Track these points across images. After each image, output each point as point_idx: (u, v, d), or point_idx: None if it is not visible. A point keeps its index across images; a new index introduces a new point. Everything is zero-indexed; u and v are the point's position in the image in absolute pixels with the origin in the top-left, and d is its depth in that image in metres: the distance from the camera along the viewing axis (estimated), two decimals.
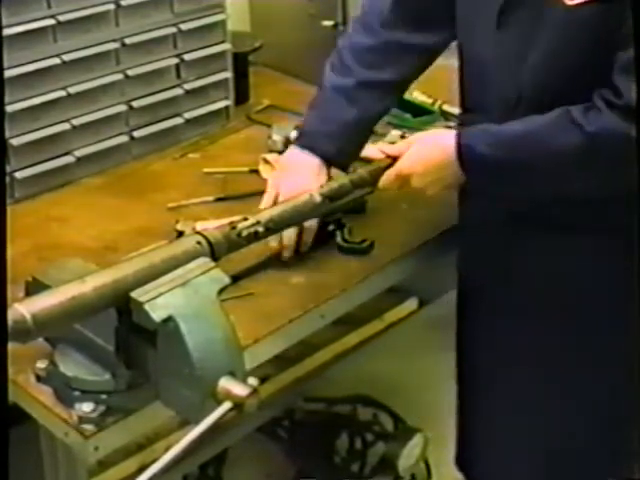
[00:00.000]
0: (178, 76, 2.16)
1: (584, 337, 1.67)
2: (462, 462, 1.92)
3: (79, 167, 2.04)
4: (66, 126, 1.99)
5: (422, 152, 1.61)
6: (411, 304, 2.07)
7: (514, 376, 1.76)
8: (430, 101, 2.30)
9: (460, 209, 1.79)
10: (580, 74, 1.48)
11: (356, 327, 1.97)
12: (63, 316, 1.26)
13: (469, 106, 1.70)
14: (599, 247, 1.61)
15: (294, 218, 1.62)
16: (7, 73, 1.82)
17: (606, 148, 1.43)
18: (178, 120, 2.18)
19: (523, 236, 1.66)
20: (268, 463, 2.39)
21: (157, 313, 1.27)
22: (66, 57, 1.95)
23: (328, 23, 2.35)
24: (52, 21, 1.91)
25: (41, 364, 1.42)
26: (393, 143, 1.83)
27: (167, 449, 1.18)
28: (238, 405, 1.26)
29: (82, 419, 1.38)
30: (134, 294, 1.29)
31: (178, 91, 2.16)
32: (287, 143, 1.98)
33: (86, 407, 1.38)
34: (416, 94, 2.33)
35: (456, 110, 1.89)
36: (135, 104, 2.09)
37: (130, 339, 1.34)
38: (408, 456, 2.22)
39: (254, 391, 1.27)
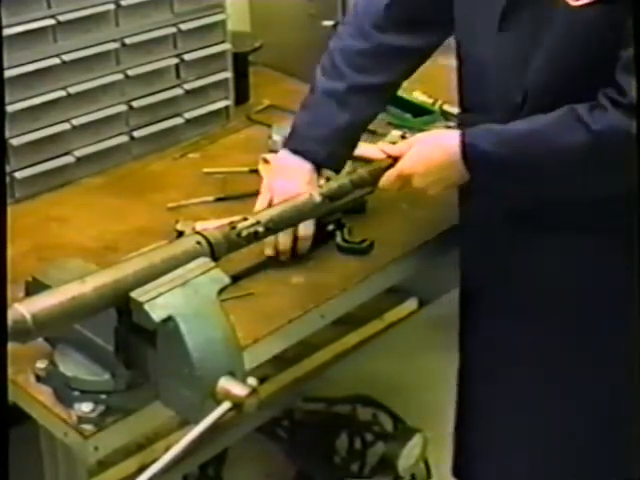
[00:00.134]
0: (178, 76, 2.16)
1: (584, 337, 1.67)
2: (459, 467, 1.92)
3: (79, 167, 2.04)
4: (66, 126, 1.99)
5: (423, 152, 1.61)
6: (411, 304, 2.06)
7: (514, 376, 1.76)
8: (430, 101, 2.30)
9: (461, 209, 1.79)
10: (585, 74, 1.48)
11: (356, 327, 1.97)
12: (63, 316, 1.26)
13: (468, 106, 1.70)
14: (599, 247, 1.61)
15: (294, 218, 1.62)
16: (7, 73, 1.82)
17: (611, 146, 1.43)
18: (178, 120, 2.18)
19: (523, 236, 1.66)
20: (268, 463, 2.39)
21: (157, 313, 1.27)
22: (66, 57, 1.95)
23: (328, 23, 2.35)
24: (52, 21, 1.91)
25: (41, 364, 1.42)
26: (394, 143, 1.83)
27: (167, 449, 1.18)
28: (238, 405, 1.26)
29: (82, 419, 1.38)
30: (134, 294, 1.29)
31: (178, 91, 2.16)
32: None
33: (85, 407, 1.38)
34: (416, 94, 2.33)
35: (456, 110, 1.89)
36: (135, 104, 2.09)
37: (130, 339, 1.34)
38: (408, 456, 2.22)
39: (254, 391, 1.27)
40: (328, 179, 1.77)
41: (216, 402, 1.26)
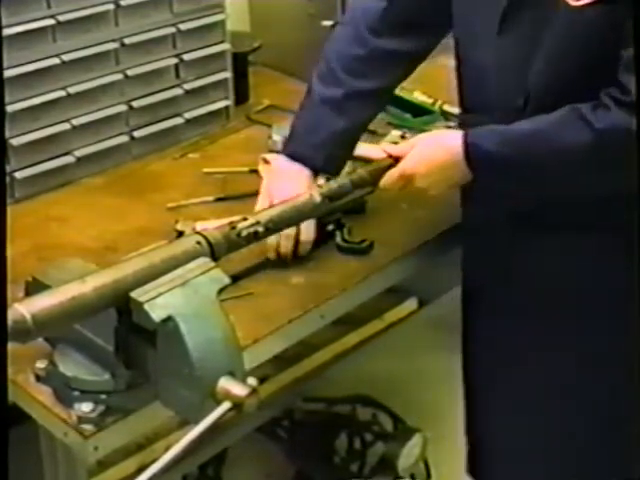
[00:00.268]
0: (178, 76, 2.16)
1: (584, 337, 1.67)
2: (472, 467, 1.91)
3: (79, 167, 2.04)
4: (66, 126, 1.99)
5: (425, 152, 1.61)
6: (411, 304, 2.06)
7: (514, 376, 1.76)
8: (430, 101, 2.29)
9: (463, 209, 1.78)
10: (586, 74, 1.48)
11: (356, 327, 1.97)
12: (63, 316, 1.26)
13: (469, 107, 1.70)
14: (599, 247, 1.62)
15: (294, 218, 1.62)
16: (7, 73, 1.82)
17: (614, 145, 1.43)
18: (178, 120, 2.18)
19: (523, 236, 1.66)
20: (268, 463, 2.39)
21: (157, 313, 1.27)
22: (66, 57, 1.95)
23: (328, 23, 2.35)
24: (52, 21, 1.91)
25: (41, 364, 1.42)
26: (395, 143, 1.83)
27: (167, 449, 1.18)
28: (237, 405, 1.26)
29: (81, 419, 1.38)
30: (134, 294, 1.29)
31: (178, 91, 2.16)
32: None
33: (85, 407, 1.38)
34: (416, 94, 2.33)
35: (456, 110, 1.89)
36: (135, 104, 2.09)
37: (130, 339, 1.34)
38: (407, 456, 2.22)
39: (253, 391, 1.27)
40: (328, 179, 1.77)
41: (216, 402, 1.26)
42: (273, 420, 2.21)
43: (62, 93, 1.97)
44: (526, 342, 1.72)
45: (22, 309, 1.21)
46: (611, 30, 1.43)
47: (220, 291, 1.35)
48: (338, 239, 1.79)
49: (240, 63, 2.32)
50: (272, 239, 1.71)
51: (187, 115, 2.19)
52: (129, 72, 2.06)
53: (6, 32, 1.81)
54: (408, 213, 1.88)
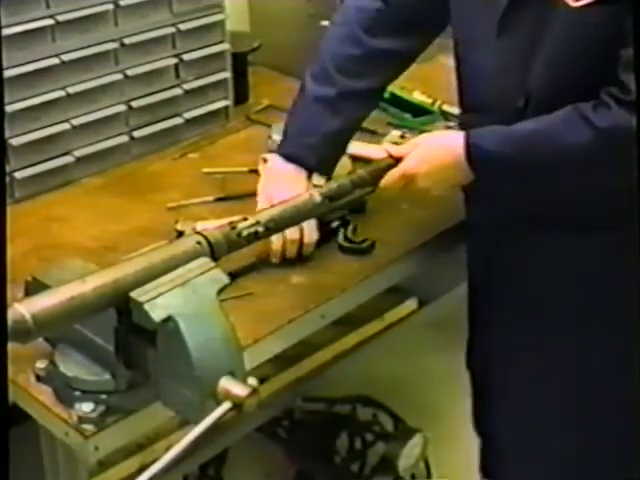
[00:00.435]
0: (177, 76, 2.16)
1: (584, 337, 1.68)
2: (484, 467, 1.92)
3: (79, 167, 2.04)
4: (66, 126, 1.99)
5: (427, 152, 1.61)
6: (411, 304, 2.06)
7: (514, 376, 1.76)
8: (430, 101, 2.29)
9: (466, 207, 1.78)
10: (586, 74, 1.48)
11: (356, 327, 1.96)
12: (63, 316, 1.26)
13: (469, 107, 1.70)
14: (600, 246, 1.61)
15: (294, 218, 1.62)
16: (7, 73, 1.82)
17: (616, 144, 1.43)
18: (178, 120, 2.18)
19: (523, 236, 1.66)
20: (268, 463, 2.39)
21: (157, 313, 1.27)
22: (65, 57, 1.95)
23: (327, 23, 2.35)
24: (51, 21, 1.91)
25: (41, 364, 1.42)
26: (395, 143, 1.83)
27: (167, 449, 1.18)
28: (238, 405, 1.25)
29: (82, 419, 1.38)
30: (134, 294, 1.29)
31: (177, 91, 2.16)
32: None
33: (86, 407, 1.38)
34: (416, 94, 2.33)
35: (456, 110, 1.89)
36: (135, 104, 2.09)
37: (130, 339, 1.34)
38: (408, 456, 2.22)
39: (254, 391, 1.27)
40: (328, 179, 1.77)
41: (216, 402, 1.26)
42: (273, 420, 2.21)
43: (62, 93, 1.97)
44: (526, 342, 1.72)
45: (22, 309, 1.21)
46: (611, 30, 1.43)
47: (220, 291, 1.35)
48: (340, 238, 1.79)
49: (240, 63, 2.32)
50: (277, 245, 1.71)
51: (187, 115, 2.19)
52: (129, 72, 2.06)
53: (6, 32, 1.81)
54: (408, 213, 1.88)
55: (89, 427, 1.38)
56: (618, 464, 1.77)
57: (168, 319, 1.27)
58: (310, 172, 1.76)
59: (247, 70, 2.38)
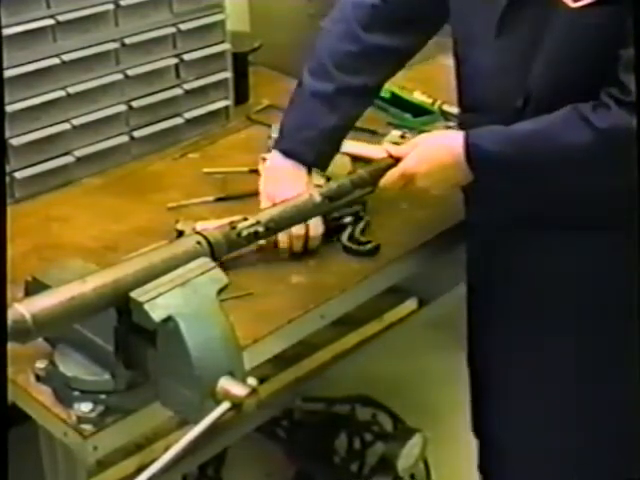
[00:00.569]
0: (178, 76, 2.16)
1: (584, 337, 1.68)
2: (482, 466, 1.92)
3: (79, 167, 2.04)
4: (66, 126, 1.99)
5: (426, 152, 1.61)
6: (411, 304, 2.06)
7: (514, 376, 1.76)
8: (430, 101, 2.30)
9: (465, 207, 1.78)
10: (586, 75, 1.48)
11: (356, 327, 1.97)
12: (63, 316, 1.26)
13: (468, 107, 1.70)
14: (600, 246, 1.61)
15: (294, 218, 1.62)
16: (7, 73, 1.82)
17: (616, 144, 1.43)
18: (178, 120, 2.18)
19: (523, 236, 1.66)
20: (267, 463, 2.39)
21: (157, 313, 1.27)
22: (66, 57, 1.95)
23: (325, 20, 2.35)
24: (51, 21, 1.91)
25: (40, 364, 1.42)
26: (396, 143, 1.83)
27: (166, 449, 1.18)
28: (237, 405, 1.26)
29: (81, 419, 1.38)
30: (134, 294, 1.29)
31: (178, 91, 2.16)
32: None
33: (85, 407, 1.38)
34: (416, 94, 2.33)
35: (456, 110, 1.89)
36: (135, 104, 2.09)
37: (129, 339, 1.34)
38: (407, 456, 2.22)
39: (253, 391, 1.27)
40: (329, 179, 1.77)
41: (216, 402, 1.26)
42: (273, 420, 2.21)
43: (62, 93, 1.97)
44: (526, 342, 1.72)
45: (22, 309, 1.21)
46: (610, 30, 1.43)
47: (220, 291, 1.35)
48: (344, 238, 1.78)
49: (240, 63, 2.32)
50: (284, 242, 1.71)
51: (187, 115, 2.19)
52: (129, 72, 2.06)
53: (6, 32, 1.81)
54: (408, 213, 1.88)
55: (88, 427, 1.38)
56: (618, 464, 1.77)
57: (168, 319, 1.27)
58: (309, 168, 1.76)
59: (247, 70, 2.38)
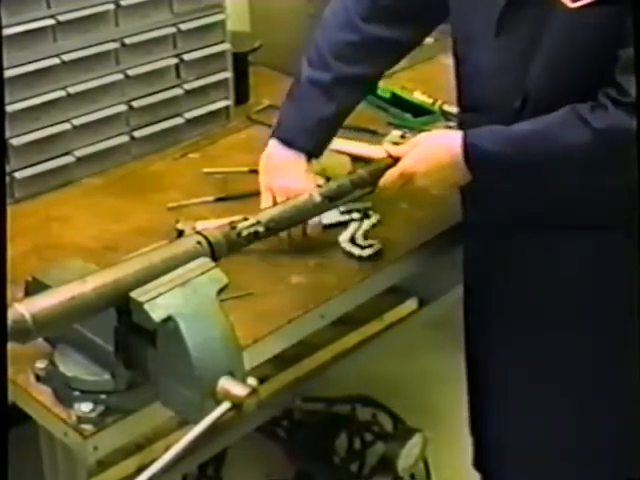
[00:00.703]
0: (178, 76, 2.16)
1: (584, 337, 1.68)
2: (479, 465, 1.92)
3: (79, 167, 2.04)
4: (66, 126, 1.99)
5: (426, 151, 1.61)
6: (411, 304, 2.06)
7: (513, 376, 1.76)
8: (430, 101, 2.30)
9: (463, 208, 1.78)
10: (584, 75, 1.48)
11: (356, 327, 1.96)
12: (63, 316, 1.26)
13: (467, 106, 1.70)
14: (599, 247, 1.61)
15: (294, 218, 1.62)
16: (7, 73, 1.82)
17: (613, 145, 1.43)
18: (178, 120, 2.18)
19: (523, 236, 1.66)
20: (267, 463, 2.39)
21: (157, 313, 1.27)
22: (66, 57, 1.95)
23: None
24: (52, 21, 1.91)
25: (40, 364, 1.42)
26: (396, 143, 1.83)
27: (166, 449, 1.18)
28: (237, 405, 1.26)
29: (81, 419, 1.38)
30: (134, 294, 1.29)
31: (178, 91, 2.16)
32: None
33: (85, 407, 1.38)
34: (416, 94, 2.33)
35: (456, 110, 1.89)
36: (135, 104, 2.09)
37: (130, 339, 1.34)
38: (407, 456, 2.22)
39: (253, 391, 1.27)
40: (328, 179, 1.77)
41: (216, 402, 1.26)
42: (273, 420, 2.21)
43: (62, 93, 1.97)
44: (525, 342, 1.72)
45: (22, 309, 1.21)
46: (609, 30, 1.43)
47: (220, 291, 1.35)
48: (343, 238, 1.78)
49: (240, 63, 2.32)
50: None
51: (187, 115, 2.19)
52: (129, 72, 2.06)
53: (6, 32, 1.81)
54: (408, 213, 1.88)
55: (88, 427, 1.38)
56: (618, 464, 1.77)
57: (168, 319, 1.27)
58: (308, 156, 1.76)
59: (248, 70, 2.38)
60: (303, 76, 1.77)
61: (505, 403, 1.80)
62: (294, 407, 2.28)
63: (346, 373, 1.98)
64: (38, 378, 1.44)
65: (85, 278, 1.29)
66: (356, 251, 1.76)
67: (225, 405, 1.25)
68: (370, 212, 1.84)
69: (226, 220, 1.55)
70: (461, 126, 1.71)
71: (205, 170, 2.05)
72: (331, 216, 1.80)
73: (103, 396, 1.39)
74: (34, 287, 1.35)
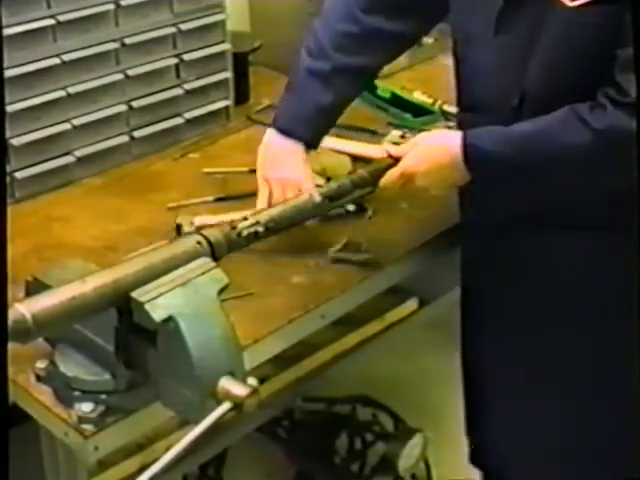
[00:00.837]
0: (178, 76, 2.16)
1: (584, 337, 1.68)
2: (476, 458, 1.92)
3: (79, 167, 2.04)
4: (66, 126, 1.99)
5: (426, 151, 1.61)
6: (411, 304, 2.06)
7: (513, 377, 1.76)
8: (430, 101, 2.30)
9: (461, 209, 1.78)
10: (582, 74, 1.48)
11: (356, 327, 1.97)
12: (63, 316, 1.26)
13: (466, 106, 1.70)
14: (599, 247, 1.61)
15: (294, 218, 1.62)
16: (7, 73, 1.82)
17: (613, 145, 1.43)
18: (178, 120, 2.18)
19: (523, 236, 1.66)
20: (268, 463, 2.39)
21: (157, 313, 1.27)
22: (66, 57, 1.95)
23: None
24: (52, 21, 1.91)
25: (41, 364, 1.42)
26: (395, 143, 1.83)
27: (167, 449, 1.18)
28: (238, 405, 1.26)
29: (82, 419, 1.38)
30: (134, 294, 1.29)
31: (178, 91, 2.16)
32: None
33: (86, 407, 1.38)
34: (416, 94, 2.33)
35: (456, 110, 1.89)
36: (135, 104, 2.09)
37: (130, 339, 1.34)
38: (408, 456, 2.22)
39: (254, 391, 1.27)
40: (329, 179, 1.77)
41: (216, 402, 1.26)
42: (273, 420, 2.21)
43: (62, 93, 1.97)
44: (525, 342, 1.72)
45: (22, 309, 1.21)
46: (607, 29, 1.43)
47: (220, 291, 1.35)
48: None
49: (240, 63, 2.32)
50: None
51: (187, 115, 2.19)
52: (129, 72, 2.06)
53: (6, 32, 1.81)
54: (408, 213, 1.88)
55: (89, 427, 1.38)
56: (618, 464, 1.77)
57: (169, 319, 1.27)
58: (307, 147, 1.75)
59: (248, 70, 2.38)
60: (302, 66, 1.77)
61: (505, 403, 1.80)
62: (294, 407, 2.28)
63: (346, 373, 1.98)
64: (38, 378, 1.44)
65: (85, 278, 1.29)
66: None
67: (226, 405, 1.25)
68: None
69: (225, 216, 1.55)
70: (460, 126, 1.71)
71: (205, 170, 2.05)
72: None
73: (104, 396, 1.39)
74: (34, 287, 1.35)
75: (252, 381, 1.30)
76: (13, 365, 1.27)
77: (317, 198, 1.63)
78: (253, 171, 1.98)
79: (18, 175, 1.94)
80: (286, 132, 1.75)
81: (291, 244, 1.76)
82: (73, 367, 1.40)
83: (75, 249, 1.76)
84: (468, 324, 1.85)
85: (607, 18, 1.43)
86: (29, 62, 1.90)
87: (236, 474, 2.31)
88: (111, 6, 2.00)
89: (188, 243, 1.42)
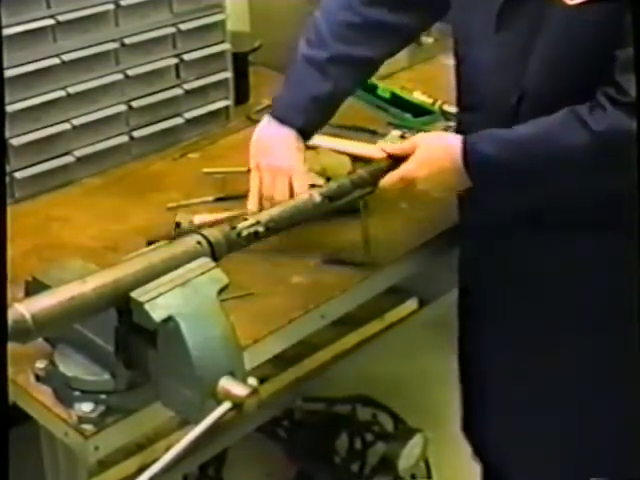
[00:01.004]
0: (178, 76, 2.16)
1: (584, 337, 1.67)
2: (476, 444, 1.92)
3: (79, 167, 2.04)
4: (66, 126, 1.99)
5: (426, 156, 1.60)
6: (411, 304, 2.06)
7: (513, 377, 1.76)
8: (430, 101, 2.30)
9: (460, 210, 1.78)
10: (582, 73, 1.48)
11: (356, 327, 1.97)
12: (63, 316, 1.26)
13: (465, 105, 1.70)
14: (599, 247, 1.61)
15: (294, 218, 1.62)
16: (7, 73, 1.82)
17: (613, 146, 1.43)
18: (178, 120, 2.18)
19: (522, 236, 1.66)
20: (268, 463, 2.39)
21: (157, 313, 1.27)
22: (66, 57, 1.95)
23: None
24: (52, 21, 1.91)
25: (41, 364, 1.42)
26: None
27: (167, 449, 1.18)
28: (238, 405, 1.26)
29: (82, 419, 1.38)
30: (134, 294, 1.29)
31: (178, 91, 2.16)
32: None
33: (85, 407, 1.38)
34: (416, 94, 2.33)
35: (455, 110, 1.89)
36: (135, 104, 2.09)
37: (130, 339, 1.34)
38: (408, 456, 2.22)
39: (254, 391, 1.27)
40: (329, 179, 1.77)
41: (216, 402, 1.26)
42: (273, 420, 2.21)
43: (62, 93, 1.97)
44: (525, 342, 1.72)
45: (22, 309, 1.21)
46: (607, 28, 1.42)
47: (220, 291, 1.35)
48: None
49: (240, 63, 2.32)
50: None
51: (187, 115, 2.19)
52: (129, 72, 2.06)
53: (6, 32, 1.81)
54: (408, 213, 1.88)
55: (89, 427, 1.38)
56: (618, 464, 1.77)
57: (168, 319, 1.27)
58: (302, 136, 1.74)
59: (248, 70, 2.39)
60: (299, 54, 1.76)
61: (504, 403, 1.80)
62: (294, 407, 2.28)
63: (346, 373, 1.98)
64: (38, 378, 1.43)
65: (85, 278, 1.29)
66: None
67: (226, 405, 1.25)
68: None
69: (224, 214, 1.55)
70: (460, 126, 1.71)
71: (205, 170, 2.05)
72: None
73: (103, 396, 1.39)
74: (34, 287, 1.35)
75: (252, 381, 1.30)
76: (13, 365, 1.27)
77: (317, 198, 1.62)
78: None
79: (18, 175, 1.94)
80: (279, 119, 1.74)
81: (291, 244, 1.76)
82: (73, 367, 1.40)
83: (75, 249, 1.76)
84: (467, 324, 1.85)
85: (607, 16, 1.43)
86: (29, 62, 1.90)
87: (236, 474, 2.31)
88: (111, 6, 2.00)
89: (188, 243, 1.42)
